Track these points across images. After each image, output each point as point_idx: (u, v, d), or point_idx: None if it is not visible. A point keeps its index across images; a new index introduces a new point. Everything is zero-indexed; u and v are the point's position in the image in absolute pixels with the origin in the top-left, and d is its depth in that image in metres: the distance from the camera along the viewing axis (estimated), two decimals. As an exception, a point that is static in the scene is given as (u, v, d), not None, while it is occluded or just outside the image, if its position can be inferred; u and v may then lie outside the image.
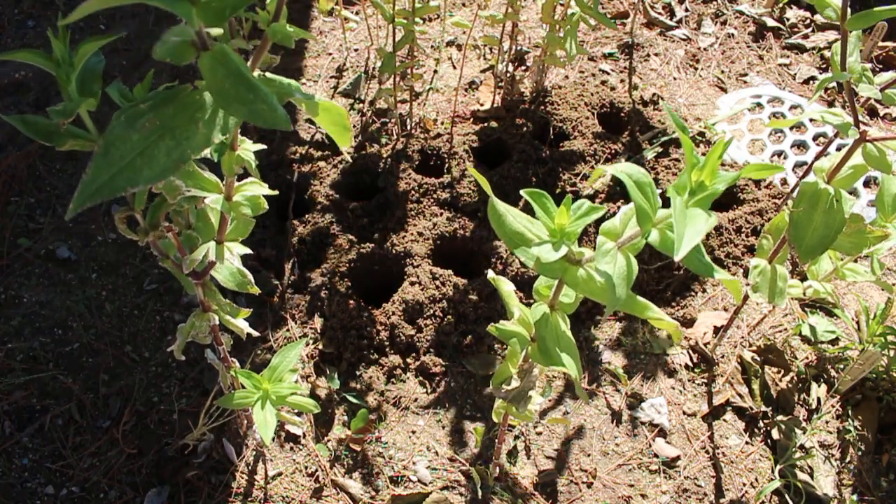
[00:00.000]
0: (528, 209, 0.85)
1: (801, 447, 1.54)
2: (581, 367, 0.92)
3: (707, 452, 1.55)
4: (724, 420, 1.60)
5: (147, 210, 0.95)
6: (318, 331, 1.68)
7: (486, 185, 0.83)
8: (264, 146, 0.85)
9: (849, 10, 1.02)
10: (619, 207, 1.87)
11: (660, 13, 2.48)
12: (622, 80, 2.25)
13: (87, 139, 0.81)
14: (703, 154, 2.12)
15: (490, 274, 1.06)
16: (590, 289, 0.82)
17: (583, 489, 1.50)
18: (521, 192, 0.81)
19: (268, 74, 0.65)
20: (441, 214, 1.86)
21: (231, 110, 0.57)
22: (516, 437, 1.56)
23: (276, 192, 0.91)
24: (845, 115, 1.09)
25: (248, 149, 0.80)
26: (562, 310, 0.94)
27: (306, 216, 1.85)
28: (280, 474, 1.48)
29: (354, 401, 1.58)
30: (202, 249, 0.90)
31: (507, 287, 1.02)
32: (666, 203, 0.72)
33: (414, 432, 1.55)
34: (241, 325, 1.12)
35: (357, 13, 2.37)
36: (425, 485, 1.48)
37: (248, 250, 0.95)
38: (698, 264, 0.74)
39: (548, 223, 0.81)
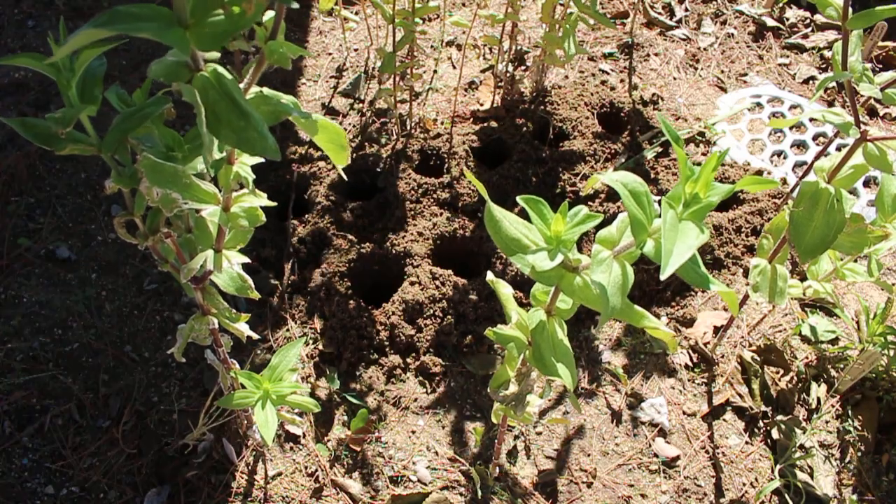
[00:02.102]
0: (525, 212, 0.85)
1: (801, 447, 1.55)
2: (576, 376, 0.91)
3: (707, 452, 1.55)
4: (724, 420, 1.60)
5: (146, 214, 0.95)
6: (318, 331, 1.68)
7: (482, 189, 0.83)
8: (262, 159, 0.84)
9: (850, 9, 1.02)
10: (619, 208, 1.87)
11: (660, 13, 2.48)
12: (622, 80, 2.25)
13: (86, 143, 0.80)
14: (704, 154, 2.12)
15: (489, 276, 1.05)
16: (586, 296, 0.81)
17: (583, 489, 1.50)
18: (518, 198, 0.80)
19: (265, 90, 0.64)
20: (441, 214, 1.86)
21: (221, 136, 0.57)
22: (516, 437, 1.56)
23: (275, 204, 0.90)
24: (846, 115, 1.09)
25: (245, 163, 0.78)
26: (559, 315, 0.93)
27: (306, 216, 1.85)
28: (280, 474, 1.48)
29: (354, 401, 1.58)
30: (200, 258, 0.90)
31: (505, 290, 1.02)
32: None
33: (414, 432, 1.55)
34: (242, 328, 1.12)
35: (357, 13, 2.37)
36: (425, 485, 1.48)
37: (246, 259, 0.95)
38: (694, 276, 0.73)
39: (544, 230, 0.80)
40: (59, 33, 0.73)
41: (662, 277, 0.62)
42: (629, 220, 0.71)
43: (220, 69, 0.58)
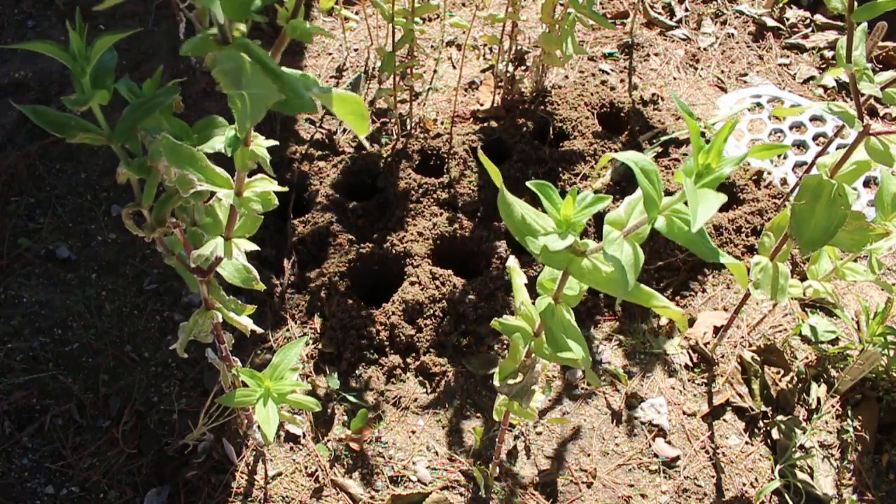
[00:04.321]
0: (532, 204, 0.86)
1: (801, 447, 1.55)
2: (589, 354, 0.93)
3: (707, 452, 1.55)
4: (724, 420, 1.60)
5: (153, 206, 0.95)
6: (318, 331, 1.68)
7: (496, 175, 0.84)
8: (276, 142, 0.85)
9: (855, 1, 1.03)
10: (618, 206, 1.87)
11: (660, 13, 2.48)
12: (622, 80, 2.25)
13: (97, 133, 0.81)
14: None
15: (510, 262, 1.07)
16: (595, 279, 0.84)
17: (583, 489, 1.50)
18: (528, 183, 0.83)
19: (284, 69, 0.66)
20: (441, 214, 1.86)
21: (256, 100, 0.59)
22: (516, 437, 1.56)
23: (286, 189, 0.91)
24: (849, 108, 1.10)
25: (261, 144, 0.81)
26: (566, 302, 0.95)
27: (306, 216, 1.85)
28: (280, 474, 1.48)
29: (354, 400, 1.58)
30: (210, 245, 0.90)
31: (519, 280, 1.03)
32: (669, 195, 0.73)
33: (414, 432, 1.55)
34: (245, 322, 1.12)
35: (357, 13, 2.37)
36: (425, 485, 1.48)
37: (255, 247, 0.95)
38: (705, 249, 0.76)
39: (554, 214, 0.83)
40: (64, 30, 0.74)
41: (693, 230, 0.65)
42: (642, 196, 0.75)
43: (248, 41, 0.61)
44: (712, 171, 0.71)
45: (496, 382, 1.06)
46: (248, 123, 0.62)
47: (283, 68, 0.66)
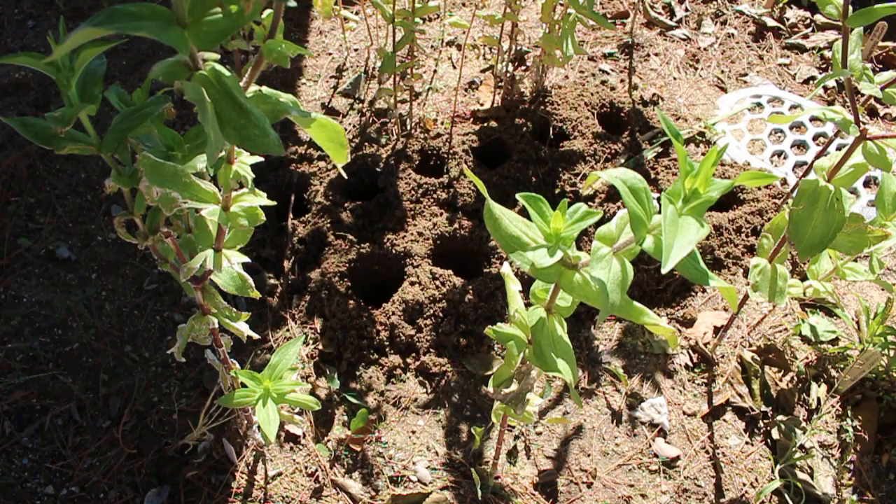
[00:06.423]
0: (525, 211, 0.85)
1: (801, 447, 1.54)
2: (577, 372, 0.91)
3: (707, 452, 1.55)
4: (724, 420, 1.60)
5: (146, 214, 0.95)
6: (318, 331, 1.68)
7: (482, 187, 0.83)
8: (261, 158, 0.84)
9: (850, 7, 1.03)
10: (619, 208, 1.87)
11: (660, 13, 2.48)
12: (622, 80, 2.25)
13: (86, 143, 0.80)
14: (704, 154, 2.12)
15: (504, 268, 1.05)
16: (585, 293, 0.82)
17: (583, 489, 1.50)
18: (518, 196, 0.81)
19: (264, 89, 0.64)
20: (441, 214, 1.86)
21: (223, 134, 0.57)
22: (516, 437, 1.56)
23: (275, 203, 0.90)
24: (846, 113, 1.09)
25: (244, 162, 0.79)
26: (558, 313, 0.93)
27: (306, 216, 1.85)
28: (280, 474, 1.48)
29: (354, 401, 1.58)
30: (200, 257, 0.90)
31: (513, 287, 1.02)
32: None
33: (414, 432, 1.55)
34: (242, 327, 1.12)
35: (357, 13, 2.37)
36: (425, 485, 1.48)
37: (246, 259, 0.95)
38: (693, 272, 0.73)
39: (543, 227, 0.80)
40: (60, 33, 0.73)
41: (664, 271, 0.62)
42: (628, 216, 0.71)
43: (219, 67, 0.58)
44: (699, 196, 0.69)
45: (490, 389, 1.05)
46: (216, 153, 0.60)
47: (265, 90, 0.63)
